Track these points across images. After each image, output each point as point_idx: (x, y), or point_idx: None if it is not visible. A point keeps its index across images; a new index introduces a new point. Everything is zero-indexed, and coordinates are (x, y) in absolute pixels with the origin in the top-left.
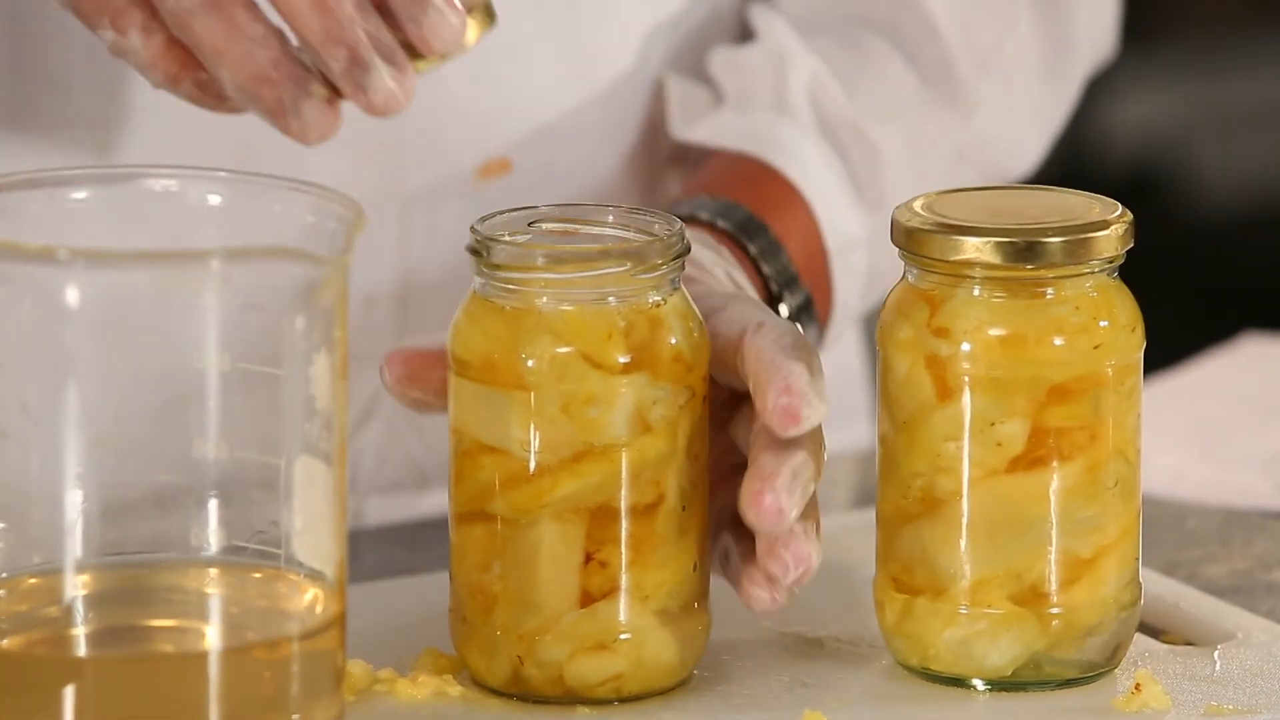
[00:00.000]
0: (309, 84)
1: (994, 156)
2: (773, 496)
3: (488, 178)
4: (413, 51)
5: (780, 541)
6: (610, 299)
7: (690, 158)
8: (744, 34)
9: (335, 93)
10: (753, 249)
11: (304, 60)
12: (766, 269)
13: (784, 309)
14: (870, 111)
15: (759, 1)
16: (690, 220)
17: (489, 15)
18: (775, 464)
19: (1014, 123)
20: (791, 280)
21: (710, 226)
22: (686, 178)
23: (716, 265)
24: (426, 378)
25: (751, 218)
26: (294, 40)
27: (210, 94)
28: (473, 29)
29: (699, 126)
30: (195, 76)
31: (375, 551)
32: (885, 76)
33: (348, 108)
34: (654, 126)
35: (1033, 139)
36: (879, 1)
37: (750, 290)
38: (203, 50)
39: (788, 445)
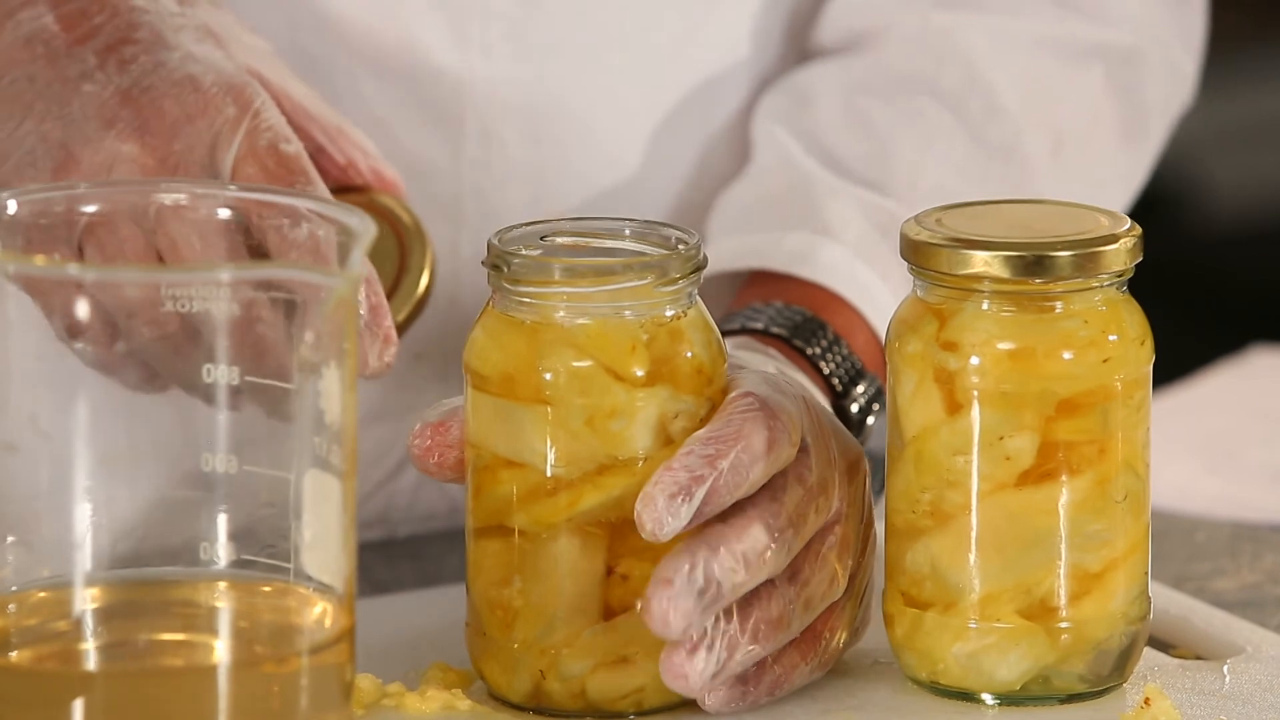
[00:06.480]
0: None
1: None
2: (658, 603)
3: None
4: None
5: (675, 649)
6: (628, 312)
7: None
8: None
9: None
10: (809, 350)
11: None
12: (825, 368)
13: (854, 406)
14: (929, 196)
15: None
16: (741, 331)
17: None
18: (673, 565)
19: (1091, 196)
20: (858, 373)
21: (761, 335)
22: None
23: (766, 365)
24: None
25: (809, 318)
26: None
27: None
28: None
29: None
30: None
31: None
32: (948, 155)
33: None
34: (717, 188)
35: (1111, 205)
36: (944, 69)
37: (812, 388)
38: None
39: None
